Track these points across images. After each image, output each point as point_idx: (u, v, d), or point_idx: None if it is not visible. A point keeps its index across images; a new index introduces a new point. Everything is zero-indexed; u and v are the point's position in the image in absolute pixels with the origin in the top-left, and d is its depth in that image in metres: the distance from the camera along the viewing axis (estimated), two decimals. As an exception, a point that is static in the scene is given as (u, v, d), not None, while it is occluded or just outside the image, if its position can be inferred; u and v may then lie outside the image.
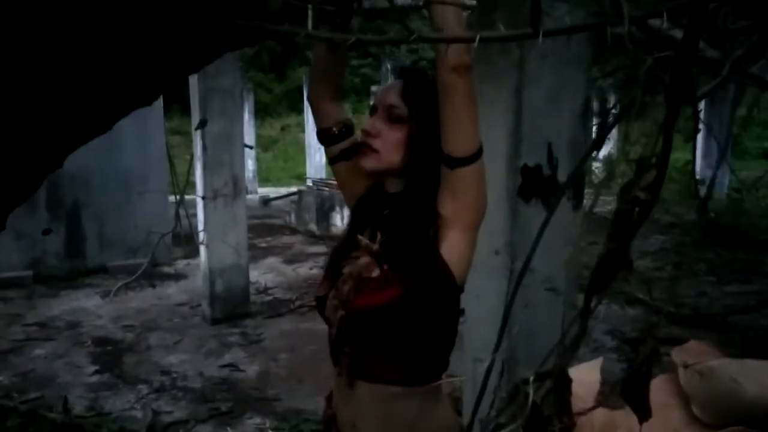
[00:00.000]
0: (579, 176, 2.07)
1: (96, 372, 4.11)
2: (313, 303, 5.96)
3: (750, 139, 17.55)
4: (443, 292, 1.14)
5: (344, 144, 1.28)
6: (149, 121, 6.89)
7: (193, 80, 4.93)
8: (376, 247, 1.16)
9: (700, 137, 10.02)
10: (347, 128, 1.28)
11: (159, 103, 7.07)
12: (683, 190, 9.72)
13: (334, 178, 1.42)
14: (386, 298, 1.10)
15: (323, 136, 1.30)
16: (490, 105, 2.01)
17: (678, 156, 12.38)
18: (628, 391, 0.46)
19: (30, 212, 6.42)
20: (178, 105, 14.11)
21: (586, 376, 0.52)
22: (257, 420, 3.41)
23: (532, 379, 0.47)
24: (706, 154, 11.02)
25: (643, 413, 0.45)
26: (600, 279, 0.48)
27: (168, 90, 0.95)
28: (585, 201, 2.29)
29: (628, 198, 0.46)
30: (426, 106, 1.16)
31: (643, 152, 0.46)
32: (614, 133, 13.44)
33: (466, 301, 2.24)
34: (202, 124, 4.73)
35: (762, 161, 15.88)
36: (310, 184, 10.17)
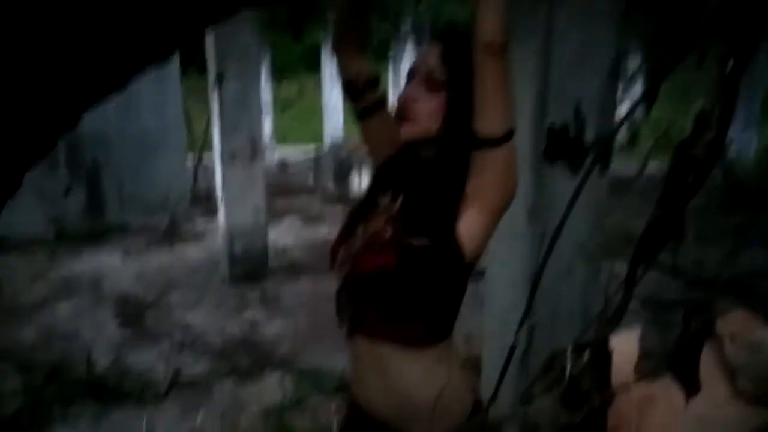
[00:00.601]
0: (606, 139, 2.01)
1: (118, 328, 4.19)
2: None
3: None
4: (448, 263, 1.11)
5: (370, 99, 1.25)
6: (166, 82, 6.87)
7: (210, 40, 4.86)
8: (394, 209, 1.16)
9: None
10: (373, 82, 1.25)
11: (176, 63, 7.03)
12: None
13: (354, 138, 1.39)
14: (390, 262, 1.10)
15: (349, 88, 1.27)
16: (516, 64, 1.94)
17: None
18: (675, 364, 0.43)
19: (51, 172, 6.48)
20: (195, 66, 14.03)
21: (622, 347, 0.50)
22: (277, 376, 3.46)
23: (570, 350, 0.45)
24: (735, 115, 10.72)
25: (692, 387, 0.43)
26: (647, 248, 0.45)
27: (183, 45, 0.91)
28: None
29: (683, 158, 0.42)
30: (466, 71, 1.09)
31: (704, 107, 0.42)
32: (635, 94, 13.15)
33: (487, 264, 2.22)
34: (219, 80, 4.68)
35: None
36: (329, 146, 10.12)
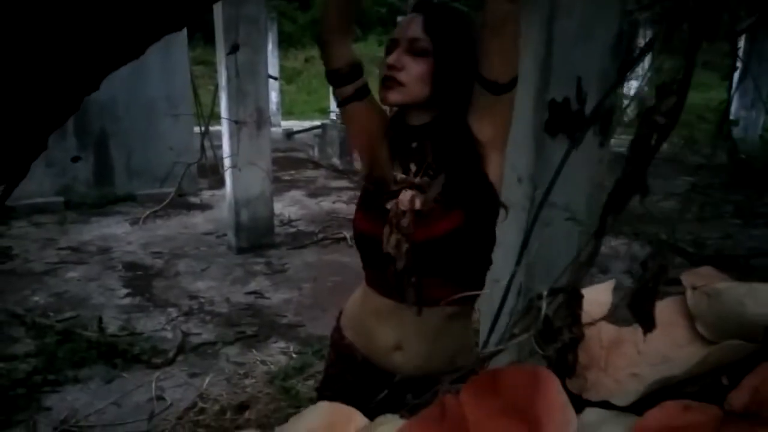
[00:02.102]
0: (606, 111, 2.03)
1: (127, 295, 4.28)
2: (337, 236, 6.03)
3: (790, 79, 16.86)
4: (496, 214, 1.22)
5: (356, 84, 1.27)
6: (173, 50, 6.87)
7: (217, 8, 4.86)
8: (417, 179, 1.20)
9: (736, 76, 9.66)
10: (357, 68, 1.27)
11: (183, 32, 7.01)
12: (716, 130, 9.48)
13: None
14: (448, 227, 1.16)
15: (334, 77, 1.27)
16: (522, 35, 1.97)
17: (713, 95, 11.99)
18: (634, 304, 0.49)
19: (60, 140, 6.54)
20: (201, 34, 13.96)
21: (598, 296, 0.55)
22: (281, 344, 3.55)
23: (545, 293, 0.50)
24: (742, 94, 10.66)
25: (648, 325, 0.48)
26: (616, 201, 0.50)
27: (199, 13, 0.95)
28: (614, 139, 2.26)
29: (647, 123, 0.47)
30: (449, 38, 1.17)
31: (667, 78, 0.46)
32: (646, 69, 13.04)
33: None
34: (234, 49, 4.69)
35: (801, 103, 15.29)
36: (334, 118, 10.11)
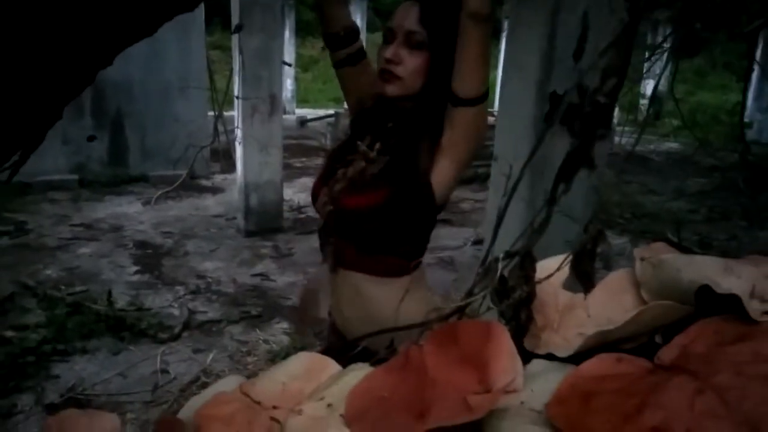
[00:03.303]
0: (607, 105, 2.07)
1: (137, 272, 4.38)
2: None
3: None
4: (421, 206, 1.25)
5: (350, 49, 1.33)
6: (191, 34, 6.94)
7: (234, -7, 4.93)
8: (373, 154, 1.25)
9: (753, 79, 9.59)
10: (353, 32, 1.33)
11: (200, 15, 7.08)
12: (730, 132, 9.43)
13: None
14: (370, 202, 1.22)
15: (331, 40, 1.33)
16: (525, 28, 2.01)
17: (729, 97, 11.89)
18: (575, 265, 0.54)
19: (76, 119, 6.65)
20: (219, 19, 14.02)
21: (552, 265, 0.60)
22: (284, 325, 3.63)
23: (501, 256, 0.56)
24: (758, 97, 10.57)
25: (587, 284, 0.53)
26: (565, 172, 0.55)
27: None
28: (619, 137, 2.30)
29: (591, 102, 0.52)
30: (445, 31, 1.19)
31: (610, 63, 0.51)
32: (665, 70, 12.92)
33: (487, 222, 2.32)
34: (238, 29, 4.74)
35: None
36: (347, 107, 10.13)
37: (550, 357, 0.56)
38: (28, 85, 0.86)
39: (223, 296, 4.03)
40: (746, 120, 8.98)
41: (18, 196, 5.97)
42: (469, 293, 0.57)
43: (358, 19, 13.38)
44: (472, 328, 0.57)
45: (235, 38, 5.03)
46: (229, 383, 0.67)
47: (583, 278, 0.53)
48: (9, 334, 3.25)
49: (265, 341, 3.38)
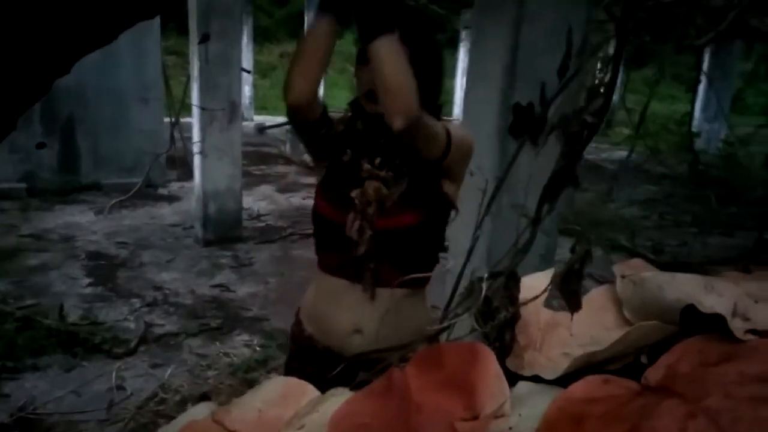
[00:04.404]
0: (594, 124, 2.11)
1: (90, 284, 4.23)
2: (306, 232, 6.06)
3: (754, 94, 17.40)
4: (448, 216, 1.37)
5: (324, 125, 1.34)
6: (146, 38, 6.78)
7: (192, -1, 4.84)
8: (384, 173, 1.29)
9: (701, 90, 9.95)
10: (324, 113, 1.34)
11: (156, 20, 6.93)
12: (679, 141, 9.74)
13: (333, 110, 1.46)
14: (407, 222, 1.29)
15: (311, 129, 1.34)
16: (487, 39, 2.03)
17: (677, 107, 12.31)
18: (562, 286, 0.53)
19: (25, 124, 6.39)
20: (174, 24, 13.77)
21: (536, 283, 0.59)
22: (245, 337, 3.55)
23: (486, 276, 0.55)
24: (705, 107, 10.97)
25: (574, 305, 0.53)
26: (551, 191, 0.54)
27: (175, 2, 0.98)
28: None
29: (578, 122, 0.52)
30: (424, 47, 1.26)
31: (595, 84, 0.51)
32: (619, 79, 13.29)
33: (454, 234, 2.33)
34: (204, 39, 4.65)
35: (763, 117, 15.78)
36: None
37: (535, 379, 0.55)
38: (-21, 95, 0.81)
39: (181, 308, 3.93)
40: (694, 130, 9.29)
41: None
42: (454, 314, 0.55)
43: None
44: (457, 350, 0.55)
45: (193, 44, 4.93)
46: (200, 411, 0.64)
47: (569, 298, 0.53)
48: (-47, 351, 3.09)
49: (226, 354, 3.30)
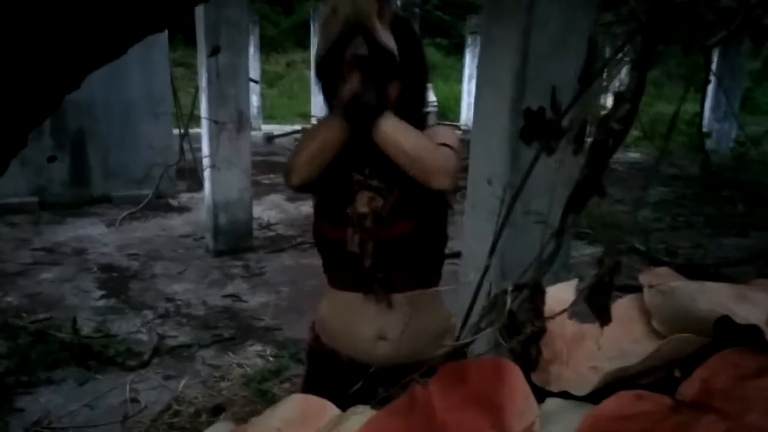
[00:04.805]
0: (622, 131, 2.09)
1: (102, 297, 4.24)
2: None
3: (763, 94, 17.27)
4: (446, 213, 1.38)
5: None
6: (154, 51, 6.81)
7: (199, 10, 4.85)
8: (375, 183, 1.29)
9: (710, 90, 9.88)
10: None
11: (164, 32, 6.97)
12: (690, 142, 9.66)
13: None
14: (406, 228, 1.29)
15: (303, 190, 1.40)
16: (497, 46, 2.01)
17: (687, 108, 12.23)
18: (591, 299, 0.52)
19: (35, 139, 6.44)
20: (182, 36, 13.86)
21: (561, 294, 0.58)
22: (258, 347, 3.54)
23: (510, 289, 0.53)
24: (715, 107, 10.89)
25: (604, 319, 0.51)
26: (576, 201, 0.53)
27: (182, 15, 0.97)
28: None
29: (604, 129, 0.51)
30: (411, 50, 1.27)
31: (620, 90, 0.50)
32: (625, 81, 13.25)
33: (467, 243, 2.31)
34: (215, 51, 4.67)
35: (772, 117, 15.66)
36: (315, 123, 10.09)
37: (564, 395, 0.53)
38: (-9, 113, 0.81)
39: (193, 319, 3.93)
40: (705, 130, 9.22)
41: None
42: (477, 329, 0.54)
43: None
44: (482, 366, 0.54)
45: (201, 56, 4.95)
46: (219, 430, 0.63)
47: (599, 312, 0.51)
48: (-32, 366, 3.10)
49: (239, 365, 3.29)
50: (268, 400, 2.87)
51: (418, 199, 1.30)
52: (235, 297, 4.34)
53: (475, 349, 0.65)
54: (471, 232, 2.25)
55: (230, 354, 3.44)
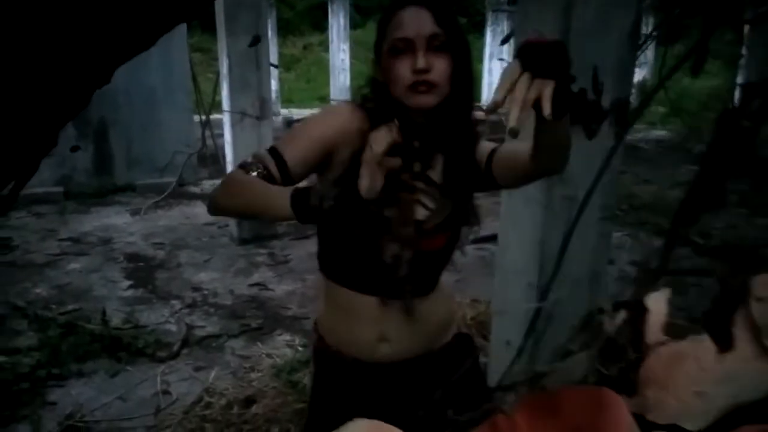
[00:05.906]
0: (623, 103, 1.99)
1: (130, 287, 4.25)
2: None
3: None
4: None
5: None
6: (172, 38, 6.76)
7: (218, -5, 4.79)
8: (425, 186, 1.21)
9: (742, 64, 9.59)
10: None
11: (182, 19, 6.91)
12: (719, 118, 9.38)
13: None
14: (442, 243, 1.26)
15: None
16: (537, 25, 1.92)
17: (717, 83, 11.92)
18: (710, 322, 0.45)
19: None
20: (198, 21, 13.81)
21: (653, 306, 0.52)
22: (287, 337, 3.52)
23: (608, 308, 0.47)
24: (745, 82, 10.56)
25: (725, 344, 0.45)
26: (688, 213, 0.46)
27: (212, 2, 0.91)
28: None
29: (728, 126, 0.43)
30: (459, 29, 1.18)
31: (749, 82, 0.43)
32: (651, 57, 12.94)
33: (501, 226, 2.24)
34: (256, 41, 4.61)
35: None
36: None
37: (672, 428, 0.47)
38: (20, 112, 0.76)
39: (221, 309, 3.92)
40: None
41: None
42: (566, 351, 0.48)
43: (341, 17, 13.23)
44: (578, 395, 0.48)
45: (222, 42, 4.89)
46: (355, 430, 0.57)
47: (720, 338, 0.44)
48: (0, 359, 3.12)
49: (269, 355, 3.27)
50: (299, 391, 2.84)
51: (462, 213, 1.26)
52: (261, 286, 4.32)
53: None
54: (508, 217, 2.18)
55: (259, 344, 3.42)
